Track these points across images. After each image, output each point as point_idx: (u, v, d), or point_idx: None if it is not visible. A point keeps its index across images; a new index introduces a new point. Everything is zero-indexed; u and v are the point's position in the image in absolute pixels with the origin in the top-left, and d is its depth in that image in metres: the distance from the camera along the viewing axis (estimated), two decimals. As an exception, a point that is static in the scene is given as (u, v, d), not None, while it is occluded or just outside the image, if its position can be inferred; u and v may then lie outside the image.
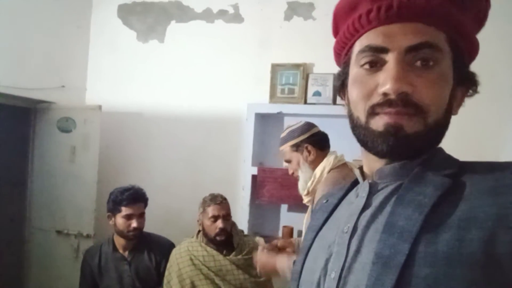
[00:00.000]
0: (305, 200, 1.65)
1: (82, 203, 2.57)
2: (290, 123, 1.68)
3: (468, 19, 0.55)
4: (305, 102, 2.48)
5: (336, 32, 0.65)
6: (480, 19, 0.57)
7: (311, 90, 2.48)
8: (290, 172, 1.63)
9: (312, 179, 1.53)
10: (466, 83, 0.57)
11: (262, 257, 1.57)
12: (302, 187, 1.59)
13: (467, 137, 1.99)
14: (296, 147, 1.57)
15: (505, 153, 2.05)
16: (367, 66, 0.55)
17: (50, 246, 2.64)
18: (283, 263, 1.45)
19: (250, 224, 2.53)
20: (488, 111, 2.10)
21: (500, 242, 0.42)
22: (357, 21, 0.57)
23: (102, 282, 1.93)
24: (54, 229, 2.63)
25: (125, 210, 1.88)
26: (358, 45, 0.57)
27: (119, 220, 1.89)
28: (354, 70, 0.57)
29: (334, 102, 2.42)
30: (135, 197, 1.92)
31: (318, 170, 1.53)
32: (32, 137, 2.76)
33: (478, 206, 0.45)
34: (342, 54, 0.63)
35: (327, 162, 1.53)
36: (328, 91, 2.44)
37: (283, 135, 1.64)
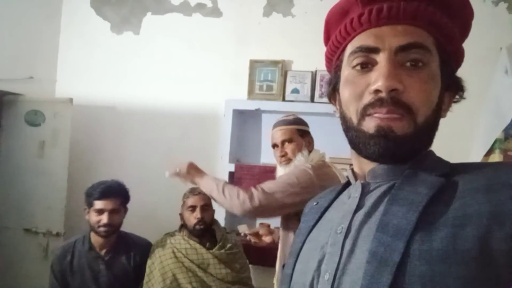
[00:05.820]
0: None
1: (51, 200, 2.47)
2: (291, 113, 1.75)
3: (455, 26, 0.57)
4: (283, 99, 2.48)
5: (327, 39, 0.66)
6: (465, 28, 0.59)
7: (289, 87, 2.48)
8: (282, 153, 1.63)
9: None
10: (453, 88, 0.59)
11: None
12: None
13: (437, 137, 2.03)
14: (302, 133, 1.65)
15: (474, 153, 2.11)
16: (358, 67, 0.56)
17: (17, 245, 2.52)
18: None
19: (227, 221, 2.52)
20: (457, 111, 2.14)
21: (494, 238, 0.42)
22: (349, 24, 0.58)
23: (74, 281, 1.83)
24: (22, 227, 2.51)
25: (96, 204, 1.82)
26: (350, 48, 0.58)
27: (91, 214, 1.84)
28: (346, 72, 0.58)
29: (312, 100, 2.44)
30: (107, 191, 1.83)
31: (310, 157, 1.61)
32: (-2, 130, 2.62)
33: (472, 204, 0.45)
34: (334, 59, 0.65)
35: (317, 154, 1.64)
36: (306, 89, 2.45)
37: (289, 117, 1.68)
